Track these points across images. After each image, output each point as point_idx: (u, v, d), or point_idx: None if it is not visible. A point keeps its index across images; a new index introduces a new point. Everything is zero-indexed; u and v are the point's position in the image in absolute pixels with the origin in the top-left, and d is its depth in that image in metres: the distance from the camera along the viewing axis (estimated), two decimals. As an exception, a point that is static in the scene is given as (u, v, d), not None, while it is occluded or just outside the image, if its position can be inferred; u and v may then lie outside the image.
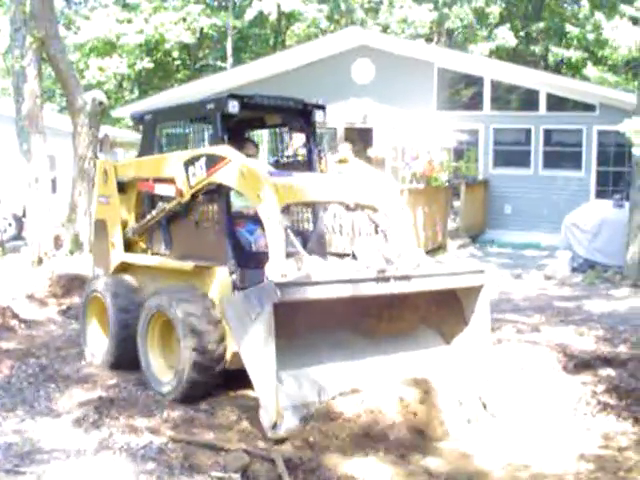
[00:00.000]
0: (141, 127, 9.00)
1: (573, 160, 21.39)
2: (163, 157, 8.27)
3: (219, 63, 38.33)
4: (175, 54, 39.77)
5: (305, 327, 6.66)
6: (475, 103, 22.73)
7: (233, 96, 7.59)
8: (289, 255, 6.54)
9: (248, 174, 6.83)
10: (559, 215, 17.68)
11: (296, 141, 9.45)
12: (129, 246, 8.78)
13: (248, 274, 7.00)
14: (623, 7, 29.13)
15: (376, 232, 7.55)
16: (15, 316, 10.41)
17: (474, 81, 22.68)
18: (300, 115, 8.41)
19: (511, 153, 22.17)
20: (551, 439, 6.47)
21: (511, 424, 6.76)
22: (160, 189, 8.16)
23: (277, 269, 6.22)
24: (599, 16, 30.37)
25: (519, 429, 6.66)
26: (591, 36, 31.78)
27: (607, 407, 7.24)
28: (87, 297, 8.82)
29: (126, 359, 8.01)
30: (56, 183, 21.82)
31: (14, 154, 16.80)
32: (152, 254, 8.49)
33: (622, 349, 9.40)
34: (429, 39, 36.14)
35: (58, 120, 23.94)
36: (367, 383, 6.53)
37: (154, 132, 8.63)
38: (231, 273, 7.11)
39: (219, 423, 6.71)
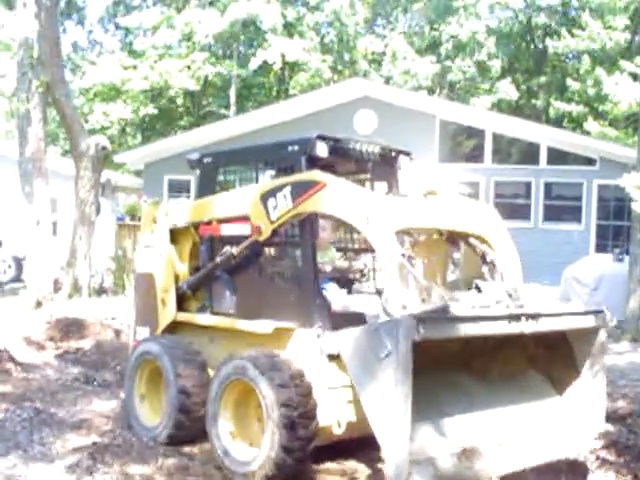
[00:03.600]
0: (198, 171, 7.95)
1: (573, 213, 21.48)
2: (233, 193, 7.41)
3: (223, 111, 38.61)
4: (179, 101, 40.18)
5: (420, 367, 5.57)
6: (476, 155, 22.87)
7: (322, 137, 6.77)
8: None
9: (352, 196, 6.09)
10: (559, 268, 17.66)
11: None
12: (180, 302, 7.83)
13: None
14: (623, 63, 29.48)
15: (483, 263, 6.97)
16: (11, 359, 10.31)
17: (475, 134, 22.84)
18: (383, 162, 7.72)
19: (512, 206, 22.22)
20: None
21: None
22: (229, 229, 7.25)
23: (396, 301, 5.41)
24: (600, 72, 30.72)
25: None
26: (592, 91, 32.07)
27: (606, 463, 7.14)
28: (136, 361, 7.73)
29: (187, 432, 7.18)
30: (57, 226, 21.90)
31: (16, 196, 16.92)
32: (212, 312, 7.51)
33: (621, 404, 9.34)
34: (431, 91, 36.47)
35: (61, 163, 24.13)
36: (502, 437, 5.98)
37: (215, 176, 7.75)
38: (318, 336, 6.28)
39: (214, 472, 6.59)
